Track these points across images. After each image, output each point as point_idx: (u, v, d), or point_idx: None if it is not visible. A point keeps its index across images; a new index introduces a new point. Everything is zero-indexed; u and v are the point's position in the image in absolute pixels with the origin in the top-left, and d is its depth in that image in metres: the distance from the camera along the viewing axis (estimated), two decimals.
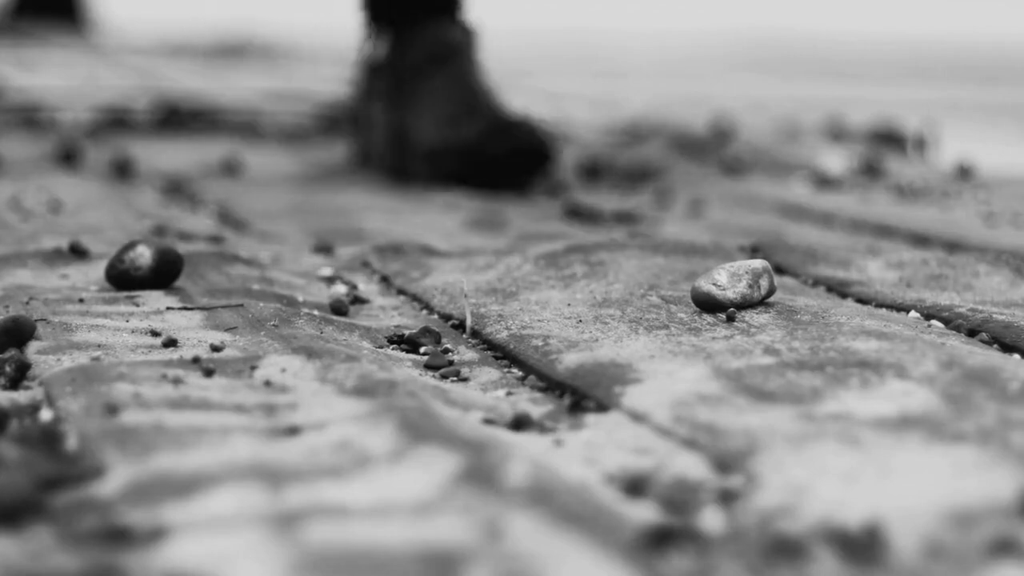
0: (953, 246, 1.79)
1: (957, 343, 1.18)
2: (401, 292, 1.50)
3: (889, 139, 3.62)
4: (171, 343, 1.19)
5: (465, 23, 2.55)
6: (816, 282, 1.53)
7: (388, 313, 1.40)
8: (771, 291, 1.32)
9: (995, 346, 1.23)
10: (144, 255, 1.40)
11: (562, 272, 1.49)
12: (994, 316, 1.30)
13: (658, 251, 1.59)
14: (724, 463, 0.88)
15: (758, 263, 1.32)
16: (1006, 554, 0.73)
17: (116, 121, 3.47)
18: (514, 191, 2.37)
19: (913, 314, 1.35)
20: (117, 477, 0.85)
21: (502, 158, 2.36)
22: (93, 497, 0.82)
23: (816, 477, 0.84)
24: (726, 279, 1.30)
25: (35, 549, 0.75)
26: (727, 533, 0.78)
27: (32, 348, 1.18)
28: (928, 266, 1.56)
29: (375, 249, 1.70)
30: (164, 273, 1.41)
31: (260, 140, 3.31)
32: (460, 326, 1.33)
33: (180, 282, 1.43)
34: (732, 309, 1.27)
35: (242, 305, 1.33)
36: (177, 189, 2.33)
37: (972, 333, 1.26)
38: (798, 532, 0.77)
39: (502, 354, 1.22)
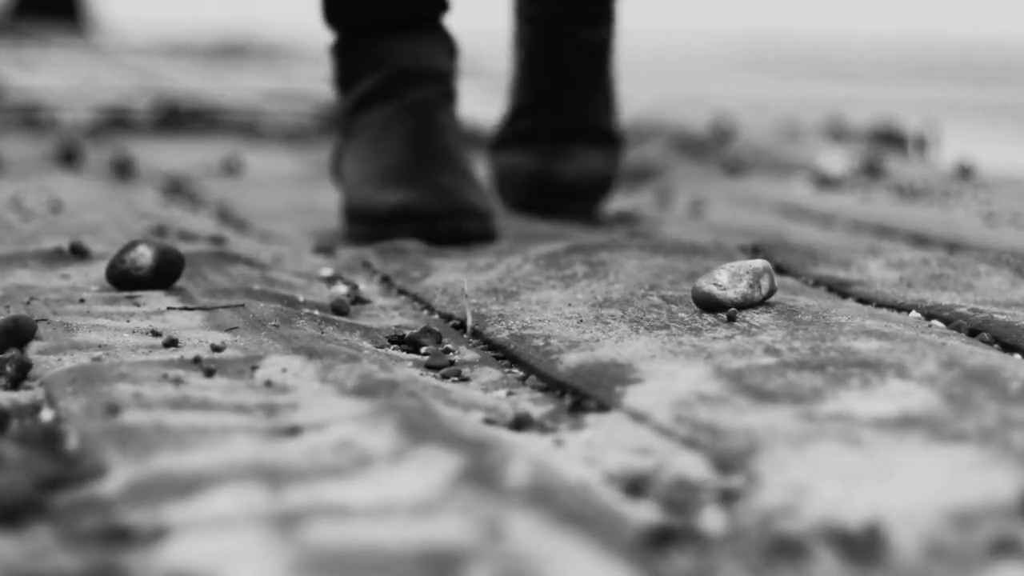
0: (954, 246, 1.79)
1: (958, 343, 1.18)
2: (402, 292, 1.51)
3: (889, 139, 3.63)
4: (172, 343, 1.19)
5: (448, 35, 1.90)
6: (817, 282, 1.53)
7: (389, 313, 1.40)
8: (772, 291, 1.32)
9: (996, 346, 1.23)
10: (145, 255, 1.40)
11: (563, 272, 1.49)
12: (995, 316, 1.30)
13: (658, 251, 1.59)
14: (725, 463, 0.88)
15: (759, 263, 1.32)
16: (1006, 554, 0.73)
17: (116, 121, 3.47)
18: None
19: (914, 314, 1.35)
20: (118, 477, 0.85)
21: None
22: (94, 497, 0.82)
23: (817, 477, 0.84)
24: (727, 279, 1.30)
25: (35, 549, 0.75)
26: (728, 533, 0.78)
27: (33, 348, 1.18)
28: (929, 266, 1.56)
29: (376, 249, 1.70)
30: (165, 273, 1.41)
31: (260, 140, 3.31)
32: (461, 326, 1.33)
33: (181, 282, 1.43)
34: (733, 309, 1.27)
35: (243, 305, 1.33)
36: (177, 189, 2.33)
37: (973, 333, 1.26)
38: (799, 532, 0.77)
39: (503, 354, 1.22)
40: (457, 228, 1.74)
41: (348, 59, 1.87)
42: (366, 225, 1.77)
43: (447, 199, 1.74)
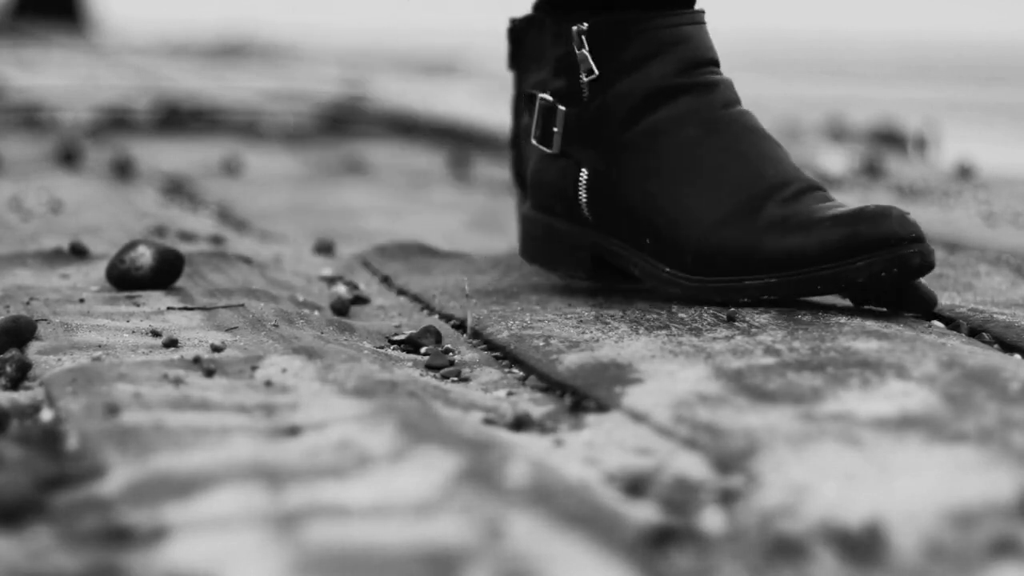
0: (954, 246, 1.79)
1: (958, 343, 1.18)
2: (402, 292, 1.50)
3: (889, 139, 3.63)
4: (172, 343, 1.19)
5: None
6: None
7: (389, 313, 1.40)
8: None
9: (996, 346, 1.23)
10: (145, 255, 1.40)
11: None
12: (995, 316, 1.30)
13: None
14: (725, 463, 0.88)
15: None
16: (1006, 554, 0.73)
17: (116, 121, 3.47)
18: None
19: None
20: (117, 477, 0.85)
21: None
22: (93, 497, 0.82)
23: (817, 477, 0.84)
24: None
25: (35, 549, 0.75)
26: (728, 533, 0.78)
27: (33, 348, 1.18)
28: None
29: (376, 249, 1.70)
30: (165, 273, 1.41)
31: (260, 140, 3.31)
32: (461, 326, 1.33)
33: (181, 282, 1.43)
34: (733, 309, 1.27)
35: (243, 305, 1.33)
36: (177, 189, 2.33)
37: (973, 333, 1.26)
38: (798, 532, 0.77)
39: (503, 354, 1.22)
40: (926, 258, 1.26)
41: (606, 46, 1.37)
42: (776, 274, 1.29)
43: (906, 221, 1.26)
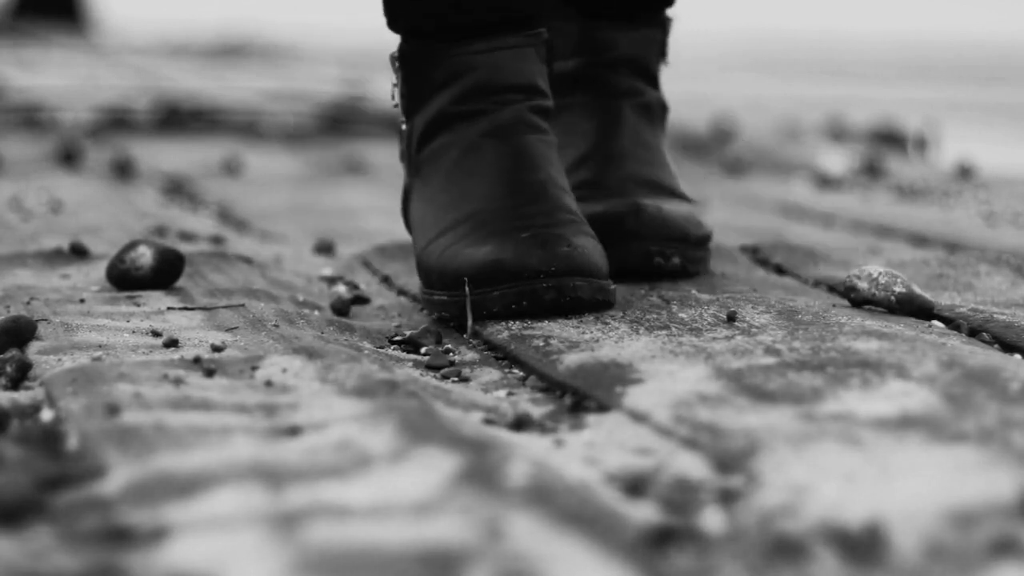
0: (954, 246, 1.79)
1: (958, 343, 1.18)
2: (402, 292, 1.50)
3: (889, 139, 3.63)
4: (172, 343, 1.19)
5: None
6: (817, 282, 1.53)
7: (389, 313, 1.40)
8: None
9: (996, 346, 1.23)
10: (145, 255, 1.40)
11: None
12: (995, 316, 1.30)
13: None
14: (725, 463, 0.88)
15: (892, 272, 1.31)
16: (1007, 554, 0.73)
17: (116, 121, 3.47)
18: None
19: None
20: (118, 477, 0.85)
21: None
22: (94, 497, 0.82)
23: (817, 477, 0.84)
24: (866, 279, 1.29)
25: (35, 549, 0.75)
26: (728, 533, 0.78)
27: (33, 348, 1.18)
28: (929, 266, 1.56)
29: (376, 249, 1.70)
30: (165, 273, 1.41)
31: (260, 140, 3.31)
32: (461, 326, 1.33)
33: (181, 282, 1.43)
34: (733, 309, 1.27)
35: (243, 305, 1.33)
36: (177, 189, 2.33)
37: (973, 333, 1.26)
38: (799, 532, 0.77)
39: (503, 354, 1.22)
40: (563, 293, 1.28)
41: (414, 73, 1.41)
42: (447, 292, 1.33)
43: (550, 253, 1.28)
